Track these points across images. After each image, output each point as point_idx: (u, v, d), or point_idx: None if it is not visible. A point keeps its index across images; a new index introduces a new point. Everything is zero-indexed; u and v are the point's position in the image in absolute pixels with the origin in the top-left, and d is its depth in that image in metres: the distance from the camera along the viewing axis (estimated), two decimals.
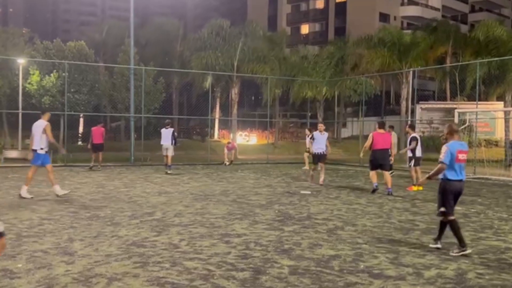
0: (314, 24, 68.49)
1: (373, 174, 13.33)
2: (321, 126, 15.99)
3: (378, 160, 13.21)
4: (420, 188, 14.03)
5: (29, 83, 31.33)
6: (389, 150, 13.52)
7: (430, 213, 10.22)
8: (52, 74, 31.32)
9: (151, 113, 33.85)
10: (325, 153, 15.50)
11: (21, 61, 29.71)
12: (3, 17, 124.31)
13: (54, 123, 31.16)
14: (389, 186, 13.11)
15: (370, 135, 13.46)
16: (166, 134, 18.70)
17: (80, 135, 38.64)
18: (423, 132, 32.93)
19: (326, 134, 15.87)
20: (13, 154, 24.50)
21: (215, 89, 42.86)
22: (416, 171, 14.75)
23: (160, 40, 43.13)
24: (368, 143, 13.36)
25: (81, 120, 39.80)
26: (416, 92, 27.77)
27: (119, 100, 34.28)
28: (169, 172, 18.40)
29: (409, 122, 28.52)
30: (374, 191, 13.17)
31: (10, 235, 7.42)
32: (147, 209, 10.13)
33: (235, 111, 38.66)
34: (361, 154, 14.57)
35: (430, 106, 35.38)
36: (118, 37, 40.54)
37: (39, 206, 10.23)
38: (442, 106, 35.18)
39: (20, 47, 35.29)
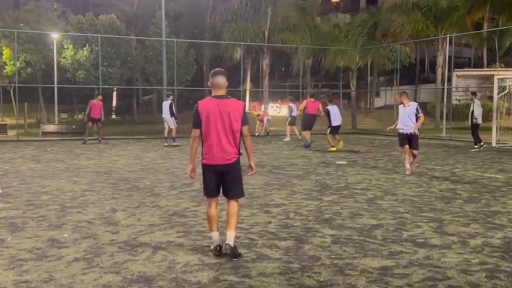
0: None
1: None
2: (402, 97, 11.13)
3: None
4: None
5: (63, 58, 31.71)
6: None
7: (471, 182, 10.02)
8: (85, 48, 31.61)
9: (183, 85, 33.98)
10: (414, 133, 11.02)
11: (55, 36, 30.03)
12: None
13: (88, 97, 31.74)
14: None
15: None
16: (165, 107, 18.27)
17: (114, 108, 39.15)
18: (459, 100, 32.18)
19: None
20: (50, 128, 25.01)
21: (245, 60, 42.65)
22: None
23: (190, 12, 42.97)
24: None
25: (114, 93, 40.30)
26: (452, 59, 26.98)
27: (151, 73, 34.48)
28: (173, 144, 18.09)
29: (445, 89, 27.89)
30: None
31: (55, 205, 7.60)
32: (185, 180, 10.21)
33: (266, 82, 38.42)
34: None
35: (466, 73, 34.43)
36: (149, 10, 40.57)
37: (79, 178, 10.43)
38: (479, 73, 34.20)
39: (53, 21, 35.72)
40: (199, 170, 5.23)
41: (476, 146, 16.90)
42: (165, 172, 11.35)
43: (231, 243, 5.12)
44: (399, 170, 11.82)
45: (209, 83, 5.20)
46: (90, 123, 19.26)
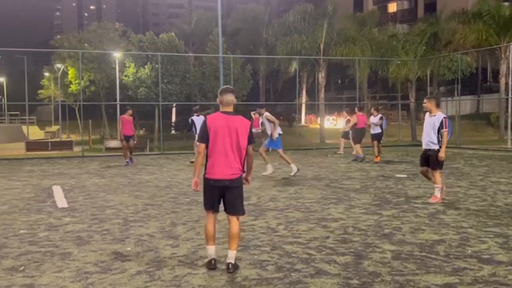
0: (402, 2, 65.94)
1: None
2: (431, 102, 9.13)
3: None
4: None
5: (125, 76, 32.84)
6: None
7: None
8: (146, 66, 32.64)
9: (239, 100, 34.37)
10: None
11: (117, 55, 31.16)
12: (98, 13, 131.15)
13: (149, 113, 32.59)
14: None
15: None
16: (198, 122, 16.32)
17: (173, 124, 40.07)
18: None
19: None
20: (113, 144, 25.89)
21: (301, 73, 42.71)
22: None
23: (247, 28, 43.55)
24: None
25: (174, 109, 41.29)
26: None
27: (209, 88, 35.13)
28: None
29: (509, 99, 26.80)
30: None
31: (118, 219, 7.86)
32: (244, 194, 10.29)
33: (322, 95, 38.27)
34: None
35: None
36: (206, 27, 41.46)
37: (141, 192, 10.74)
38: None
39: (115, 41, 37.12)
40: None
41: None
42: None
43: (233, 261, 5.17)
44: (462, 183, 11.44)
45: (218, 100, 5.31)
46: (124, 142, 17.09)
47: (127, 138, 16.89)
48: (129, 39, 35.66)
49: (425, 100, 9.06)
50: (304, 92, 46.29)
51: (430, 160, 8.92)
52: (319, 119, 37.45)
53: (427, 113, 9.06)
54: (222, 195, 5.24)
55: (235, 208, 5.30)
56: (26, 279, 5.01)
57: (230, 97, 5.23)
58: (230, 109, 5.25)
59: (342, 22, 36.94)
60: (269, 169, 13.21)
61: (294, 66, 34.98)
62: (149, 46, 33.93)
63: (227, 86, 5.44)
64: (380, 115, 16.92)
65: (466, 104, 40.23)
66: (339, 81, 61.38)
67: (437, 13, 38.02)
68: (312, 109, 46.48)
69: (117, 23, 50.54)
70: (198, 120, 16.71)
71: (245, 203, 9.08)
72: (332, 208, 8.57)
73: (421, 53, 31.04)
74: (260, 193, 10.31)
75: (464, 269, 5.12)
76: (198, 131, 5.25)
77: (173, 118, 42.72)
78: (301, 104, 45.81)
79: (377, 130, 16.77)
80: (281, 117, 53.53)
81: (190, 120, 17.24)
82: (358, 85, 32.03)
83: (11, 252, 6.00)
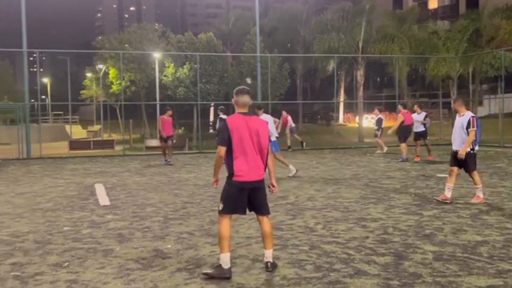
0: None
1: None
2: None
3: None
4: None
5: (164, 76, 33.31)
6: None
7: None
8: (184, 66, 33.02)
9: (277, 99, 34.38)
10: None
11: (157, 55, 31.61)
12: (137, 15, 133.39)
13: (188, 113, 32.93)
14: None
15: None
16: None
17: (211, 123, 40.41)
18: None
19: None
20: (153, 143, 26.30)
21: (338, 72, 42.36)
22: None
23: (284, 27, 43.49)
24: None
25: (212, 109, 41.63)
26: None
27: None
28: None
29: None
30: None
31: (158, 217, 7.98)
32: (280, 193, 10.29)
33: (360, 93, 37.84)
34: None
35: None
36: (244, 27, 41.61)
37: (180, 191, 10.88)
38: None
39: (155, 42, 37.68)
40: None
41: None
42: None
43: (271, 260, 5.16)
44: (506, 183, 11.13)
45: (233, 100, 5.19)
46: (163, 142, 17.15)
47: (166, 138, 16.96)
48: (168, 39, 36.18)
49: (452, 101, 8.92)
50: (342, 90, 45.89)
51: (463, 163, 8.64)
52: (357, 117, 37.07)
53: (457, 114, 8.88)
54: (249, 197, 5.15)
55: (265, 208, 5.26)
56: (70, 275, 5.16)
57: (247, 98, 5.10)
58: (246, 110, 5.14)
59: (381, 20, 36.44)
60: (292, 169, 13.03)
61: (332, 64, 34.70)
62: (188, 46, 34.31)
63: (243, 86, 5.32)
64: (424, 113, 16.50)
65: (510, 102, 39.06)
66: (378, 79, 60.58)
67: (479, 9, 37.05)
68: (350, 108, 46.02)
69: (156, 24, 51.32)
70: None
71: (283, 202, 9.18)
72: (371, 208, 8.48)
73: (462, 50, 30.30)
74: (297, 192, 10.30)
75: (509, 271, 4.99)
76: (218, 132, 5.11)
77: (211, 118, 43.07)
78: (338, 103, 45.44)
79: (421, 128, 16.38)
80: (319, 116, 53.37)
81: (219, 119, 17.16)
82: (398, 83, 31.52)
83: (55, 249, 6.19)
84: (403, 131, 16.75)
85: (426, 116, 16.38)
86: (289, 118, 22.77)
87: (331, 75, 33.04)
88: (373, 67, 46.45)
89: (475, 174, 8.70)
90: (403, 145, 16.71)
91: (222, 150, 4.99)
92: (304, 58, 40.39)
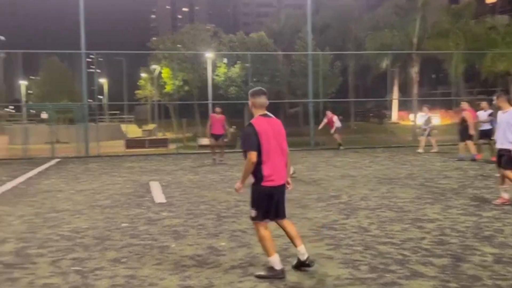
0: None
1: None
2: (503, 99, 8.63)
3: None
4: None
5: (216, 75, 33.68)
6: None
7: None
8: (236, 65, 33.29)
9: (328, 97, 34.12)
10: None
11: (209, 55, 32.00)
12: (190, 15, 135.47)
13: (239, 112, 33.25)
14: None
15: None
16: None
17: None
18: None
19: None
20: (205, 141, 26.66)
21: (392, 69, 41.59)
22: None
23: (336, 24, 43.10)
24: None
25: None
26: None
27: (297, 86, 35.18)
28: None
29: None
30: None
31: (212, 215, 8.10)
32: (333, 192, 10.24)
33: (415, 90, 37.01)
34: None
35: None
36: (295, 25, 41.51)
37: (233, 189, 10.95)
38: None
39: (207, 42, 38.16)
40: None
41: None
42: (312, 184, 11.48)
43: (307, 254, 5.12)
44: None
45: (250, 103, 5.04)
46: (213, 140, 17.02)
47: (216, 137, 16.89)
48: (220, 39, 36.58)
49: (494, 97, 8.64)
50: (395, 88, 45.00)
51: (502, 158, 8.37)
52: (410, 115, 36.26)
53: (499, 111, 8.58)
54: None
55: (285, 211, 5.17)
56: (128, 270, 5.32)
57: (264, 99, 5.01)
58: (265, 111, 5.04)
59: (436, 15, 35.52)
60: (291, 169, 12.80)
61: (385, 61, 34.12)
62: (239, 45, 34.58)
63: (260, 88, 5.16)
64: (490, 111, 15.81)
65: None
66: (433, 76, 58.99)
67: None
68: (404, 106, 45.07)
69: (208, 24, 51.94)
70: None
71: (335, 201, 9.11)
72: (427, 208, 8.28)
73: None
74: (350, 192, 10.19)
75: None
76: (244, 137, 4.91)
77: None
78: (392, 101, 44.58)
79: (486, 126, 15.72)
80: (371, 114, 52.52)
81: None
82: (453, 80, 30.63)
83: (114, 244, 6.38)
84: (465, 130, 16.13)
85: (490, 114, 15.70)
86: (335, 118, 22.37)
87: (384, 72, 32.47)
88: (427, 64, 45.30)
89: (509, 174, 8.31)
90: (466, 143, 16.09)
91: (254, 155, 4.80)
92: (356, 56, 39.92)
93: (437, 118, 39.69)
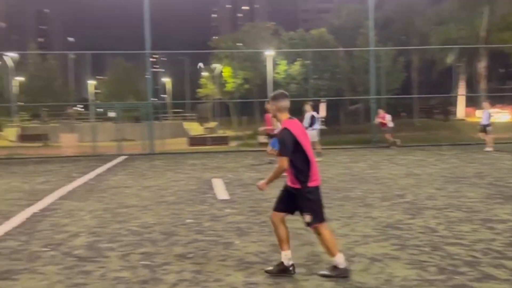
0: None
1: None
2: None
3: None
4: None
5: (276, 73, 33.72)
6: None
7: None
8: (296, 63, 33.20)
9: (391, 93, 33.39)
10: None
11: (269, 53, 32.09)
12: (250, 14, 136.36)
13: (299, 110, 32.92)
14: None
15: None
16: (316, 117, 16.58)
17: (322, 119, 40.19)
18: None
19: None
20: (265, 139, 26.75)
21: (457, 64, 40.14)
22: None
23: (398, 18, 42.12)
24: None
25: (323, 104, 41.42)
26: None
27: (359, 83, 34.64)
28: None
29: None
30: None
31: None
32: (397, 191, 10.03)
33: (483, 86, 35.59)
34: None
35: None
36: (356, 20, 40.87)
37: None
38: None
39: (267, 39, 38.27)
40: None
41: None
42: (375, 182, 11.28)
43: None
44: None
45: (274, 107, 4.94)
46: (264, 138, 17.21)
47: (270, 136, 16.57)
48: (280, 37, 36.59)
49: None
50: (461, 83, 43.42)
51: None
52: (477, 112, 34.90)
53: None
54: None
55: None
56: (194, 265, 5.43)
57: (288, 102, 4.98)
58: (288, 114, 5.00)
59: (505, 7, 33.98)
60: None
61: (451, 56, 33.00)
62: (300, 42, 34.45)
63: (281, 91, 5.11)
64: None
65: None
66: (502, 70, 56.49)
67: None
68: (471, 102, 43.41)
69: (268, 22, 52.06)
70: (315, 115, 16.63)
71: (400, 200, 8.92)
72: (498, 209, 7.95)
73: None
74: (416, 191, 9.94)
75: None
76: (281, 142, 4.82)
77: (322, 113, 42.84)
78: (457, 97, 43.05)
79: None
80: (436, 111, 50.92)
81: (310, 117, 16.42)
82: None
83: (180, 240, 6.54)
84: None
85: None
86: (387, 117, 21.76)
87: (449, 67, 31.38)
88: (496, 58, 43.43)
89: None
90: None
91: (286, 161, 4.76)
92: (420, 51, 38.84)
93: (507, 115, 38.11)
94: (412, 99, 43.56)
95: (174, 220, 7.81)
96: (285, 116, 4.94)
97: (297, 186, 4.84)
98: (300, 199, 4.87)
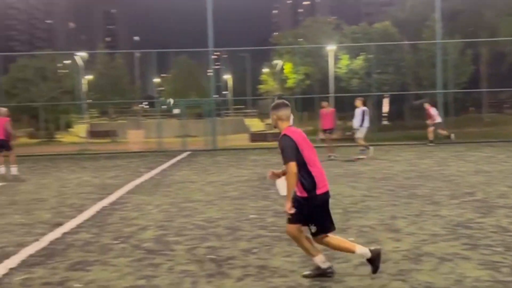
0: None
1: None
2: None
3: None
4: None
5: (338, 68, 33.32)
6: None
7: None
8: (359, 57, 32.66)
9: (458, 88, 32.24)
10: None
11: (331, 48, 31.76)
12: (311, 9, 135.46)
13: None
14: None
15: None
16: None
17: (385, 114, 39.43)
18: None
19: None
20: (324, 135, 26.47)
21: None
22: None
23: (466, 9, 40.51)
24: None
25: (386, 99, 40.58)
26: None
27: (424, 76, 33.65)
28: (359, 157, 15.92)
29: None
30: None
31: (338, 209, 8.04)
32: (466, 188, 9.68)
33: None
34: None
35: None
36: (422, 13, 39.67)
37: (357, 183, 10.83)
38: None
39: (328, 34, 37.87)
40: None
41: None
42: (443, 180, 10.94)
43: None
44: None
45: (274, 116, 4.85)
46: (321, 135, 17.06)
47: (326, 132, 16.78)
48: (342, 31, 36.10)
49: None
50: None
51: None
52: None
53: None
54: None
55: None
56: (259, 261, 5.47)
57: (289, 111, 4.88)
58: (290, 123, 4.89)
59: None
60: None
61: None
62: (362, 36, 33.85)
63: (282, 100, 5.02)
64: None
65: None
66: None
67: None
68: None
69: (330, 17, 51.52)
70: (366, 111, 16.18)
71: (470, 198, 8.61)
72: None
73: None
74: (486, 189, 9.56)
75: None
76: (282, 149, 4.70)
77: (385, 108, 41.99)
78: None
79: None
80: (506, 105, 48.66)
81: (362, 112, 16.08)
82: None
83: (244, 235, 6.61)
84: None
85: None
86: (432, 111, 20.65)
87: None
88: None
89: None
90: None
91: (294, 166, 4.61)
92: (489, 43, 37.21)
93: None
94: (481, 93, 41.82)
95: (238, 215, 7.89)
96: (285, 124, 4.92)
97: (305, 195, 4.76)
98: (307, 208, 4.77)
